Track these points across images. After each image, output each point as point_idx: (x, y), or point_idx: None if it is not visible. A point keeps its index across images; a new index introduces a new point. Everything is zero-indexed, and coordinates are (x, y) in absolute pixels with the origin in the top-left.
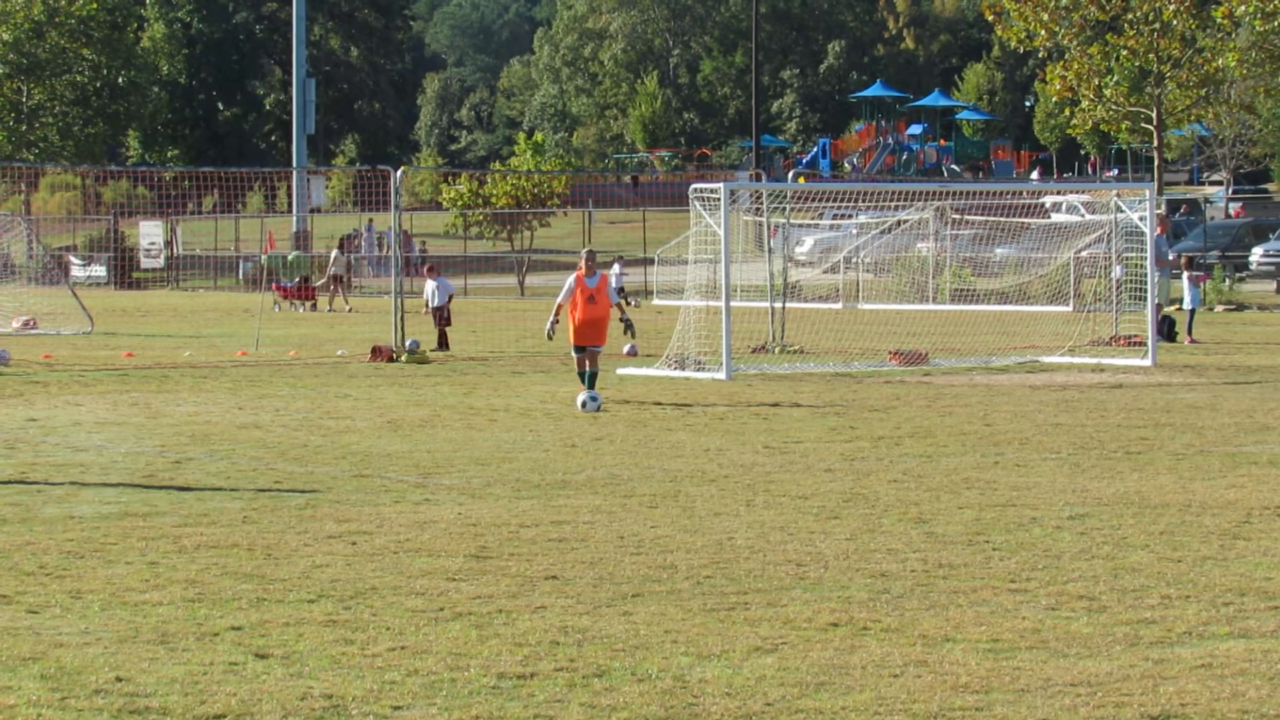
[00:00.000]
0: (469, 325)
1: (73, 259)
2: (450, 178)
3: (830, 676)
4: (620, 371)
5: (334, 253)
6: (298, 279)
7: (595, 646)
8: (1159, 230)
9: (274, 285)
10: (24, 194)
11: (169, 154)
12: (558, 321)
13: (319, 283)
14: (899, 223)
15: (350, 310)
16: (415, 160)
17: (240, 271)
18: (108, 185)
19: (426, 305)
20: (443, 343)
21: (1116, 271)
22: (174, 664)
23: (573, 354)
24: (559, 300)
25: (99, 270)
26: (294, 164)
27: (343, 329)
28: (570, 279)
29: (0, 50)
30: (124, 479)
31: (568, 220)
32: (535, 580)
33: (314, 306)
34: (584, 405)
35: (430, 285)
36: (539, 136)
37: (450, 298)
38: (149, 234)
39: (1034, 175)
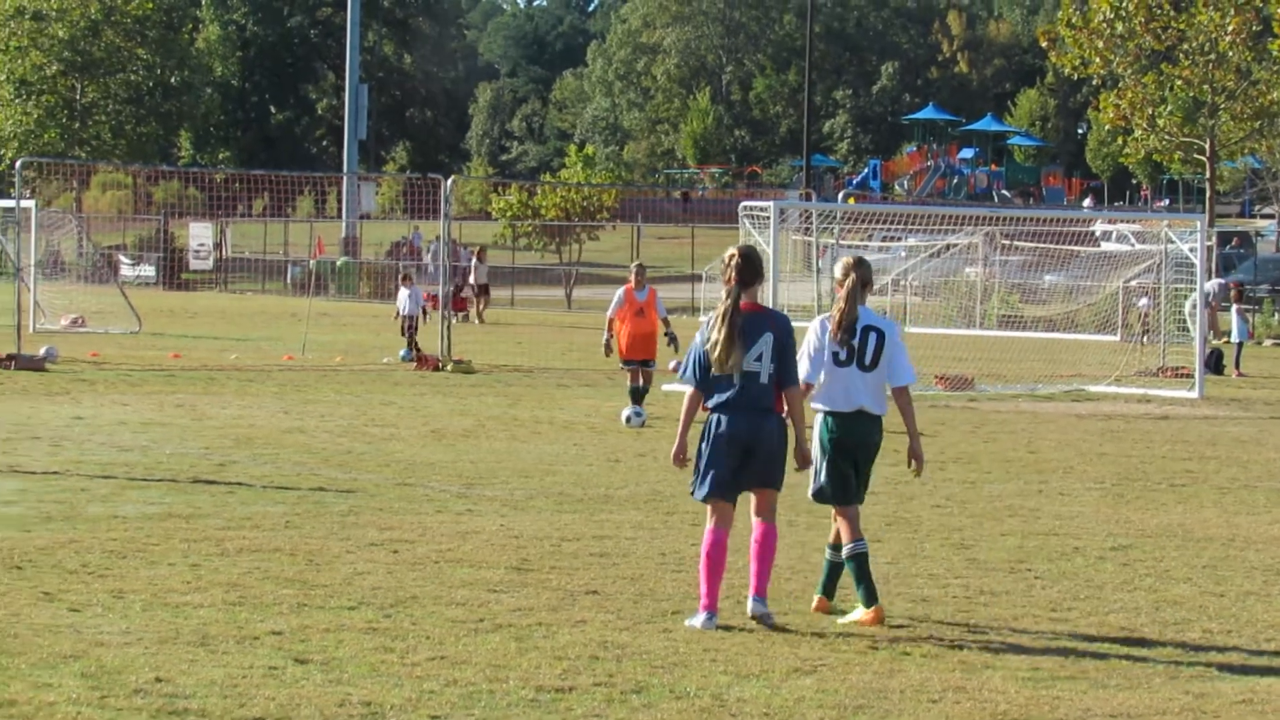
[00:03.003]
0: (515, 336)
1: (122, 258)
2: (500, 188)
3: (869, 700)
4: (665, 388)
5: (473, 261)
6: (450, 288)
7: (634, 662)
8: None
9: (425, 295)
10: (75, 192)
11: (220, 155)
12: (612, 336)
13: (464, 293)
14: (948, 247)
15: (481, 323)
16: (466, 169)
17: (288, 276)
18: (159, 185)
19: (397, 314)
20: (413, 349)
21: (1142, 303)
22: (214, 666)
23: (624, 368)
24: (609, 314)
25: (148, 270)
26: (345, 169)
27: (389, 337)
28: (620, 292)
29: (55, 47)
30: (168, 479)
31: (616, 234)
32: (576, 594)
33: (465, 317)
34: (628, 420)
35: (404, 294)
36: (590, 149)
37: (423, 309)
38: (198, 235)
39: (1086, 203)
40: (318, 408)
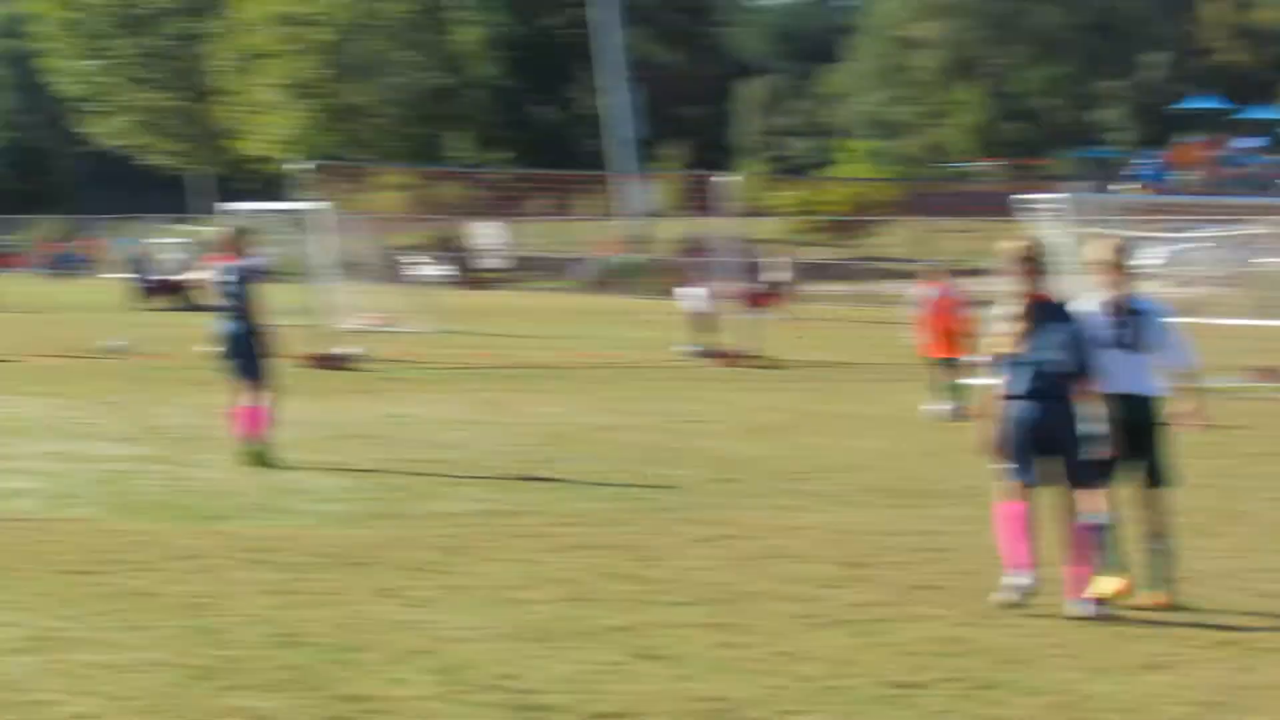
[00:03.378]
0: (806, 331)
1: (417, 258)
2: (780, 184)
3: (1227, 696)
4: (962, 382)
5: (779, 258)
6: (764, 286)
7: (981, 658)
8: None
9: (739, 292)
10: (361, 193)
11: (501, 156)
12: (923, 334)
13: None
14: (1243, 236)
15: (789, 319)
16: (743, 166)
17: (577, 274)
18: (446, 186)
19: (693, 310)
20: (705, 345)
21: None
22: (559, 662)
23: (934, 365)
24: (916, 314)
25: (443, 269)
26: (615, 168)
27: (675, 334)
28: (923, 290)
29: (320, 51)
30: (487, 476)
31: (900, 228)
32: (912, 589)
33: (771, 314)
34: (937, 415)
35: (691, 291)
36: (866, 144)
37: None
38: (485, 235)
39: None
40: (626, 404)
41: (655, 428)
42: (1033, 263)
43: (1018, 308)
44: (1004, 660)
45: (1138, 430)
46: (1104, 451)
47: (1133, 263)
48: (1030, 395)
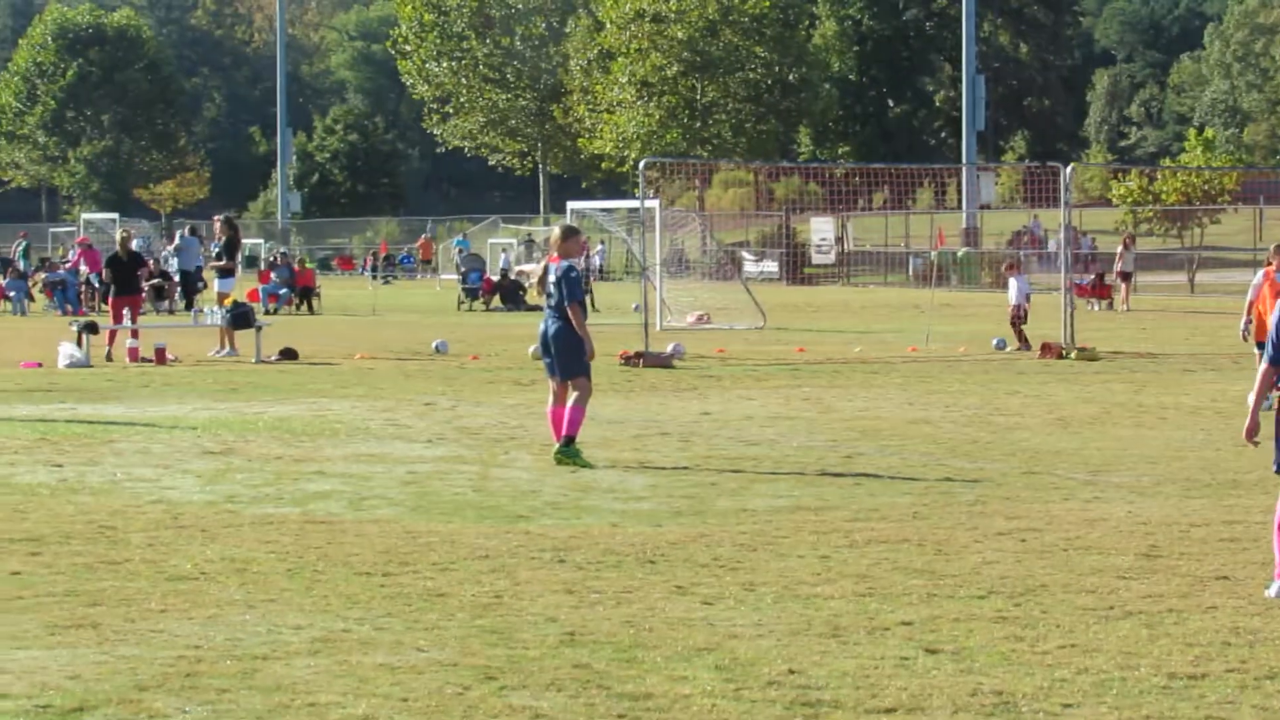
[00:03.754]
0: (1139, 322)
1: (745, 254)
2: (1120, 174)
3: None
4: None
5: (1120, 249)
6: (1094, 276)
7: (1267, 648)
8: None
9: (1070, 283)
10: (698, 190)
11: (839, 150)
12: (1250, 321)
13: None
14: None
15: (1127, 310)
16: (1084, 157)
17: (910, 268)
18: (779, 181)
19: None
20: (1021, 338)
21: None
22: (845, 657)
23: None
24: (1248, 299)
25: (771, 266)
26: (963, 160)
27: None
28: (1258, 275)
29: (675, 48)
30: (795, 472)
31: (1238, 217)
32: (1206, 580)
33: (1110, 305)
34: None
35: (1012, 283)
36: (1209, 133)
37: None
38: (820, 230)
39: None
40: (942, 398)
41: (968, 421)
42: None
43: None
44: None
45: None
46: None
47: None
48: None
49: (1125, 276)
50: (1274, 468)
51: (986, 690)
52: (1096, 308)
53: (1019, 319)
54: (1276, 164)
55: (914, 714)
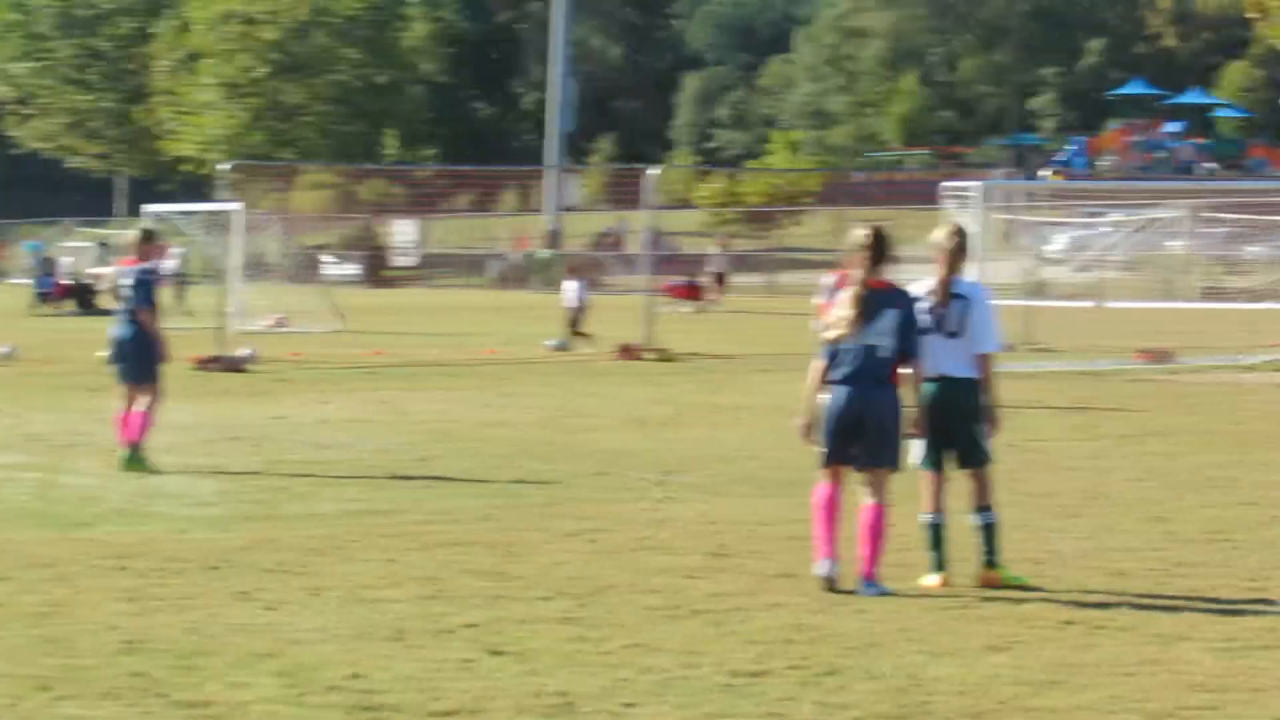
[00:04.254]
0: (719, 324)
1: (325, 257)
2: (704, 176)
3: (1063, 675)
4: None
5: (715, 251)
6: (685, 279)
7: (828, 645)
8: None
9: (664, 285)
10: (281, 192)
11: (426, 153)
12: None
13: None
14: (1151, 220)
15: (718, 312)
16: (670, 159)
17: (491, 270)
18: (364, 184)
19: (571, 305)
20: (575, 337)
21: None
22: (408, 661)
23: None
24: (818, 302)
25: (352, 268)
26: (550, 163)
27: (592, 327)
28: (828, 278)
29: (264, 50)
30: (368, 476)
31: (820, 218)
32: (772, 578)
33: (703, 307)
34: None
35: (570, 285)
36: (794, 135)
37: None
38: (402, 232)
39: None
40: (520, 400)
41: (544, 423)
42: (874, 249)
43: (855, 292)
44: (849, 646)
45: (954, 413)
46: (913, 434)
47: (964, 248)
48: (851, 379)
49: (719, 279)
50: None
51: (550, 691)
52: (689, 309)
53: (576, 321)
54: (859, 166)
55: (476, 716)
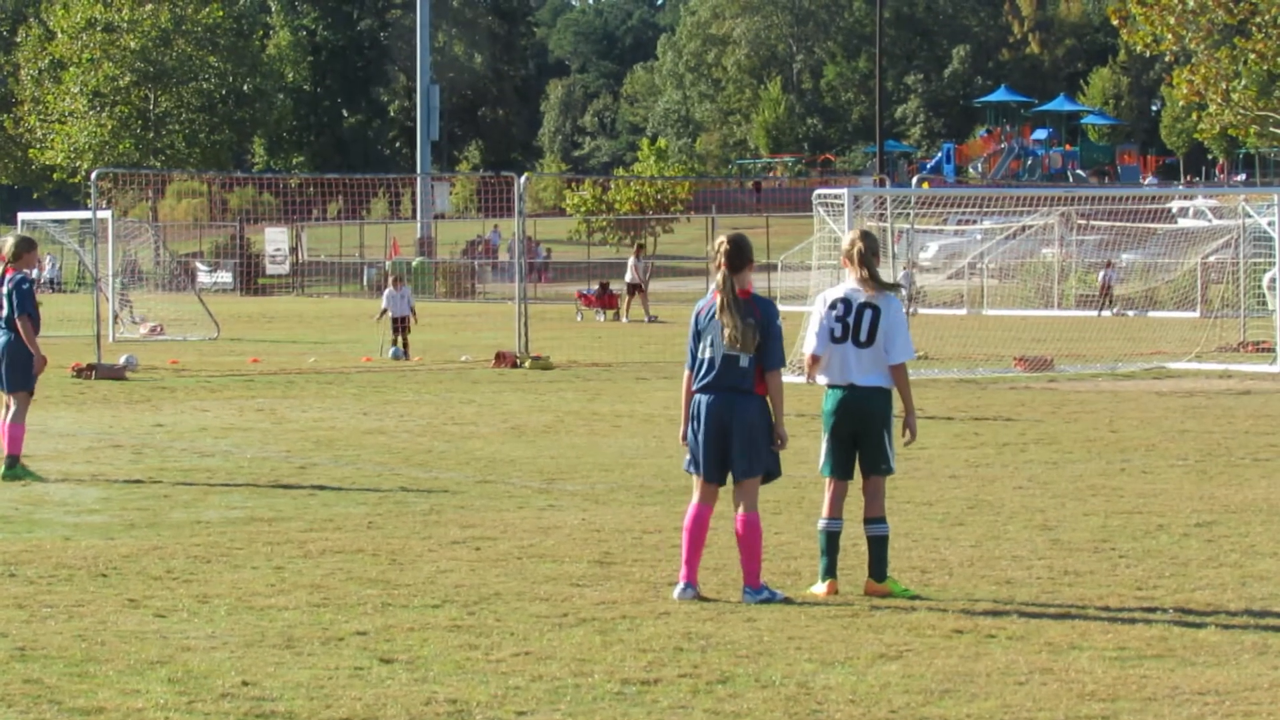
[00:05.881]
0: (594, 331)
1: (199, 265)
2: (574, 184)
3: (955, 684)
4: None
5: (631, 260)
6: (598, 286)
7: (719, 652)
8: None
9: (577, 294)
10: (151, 201)
11: (294, 160)
12: None
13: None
14: (1024, 228)
15: (652, 320)
16: (539, 166)
17: (364, 278)
18: (234, 192)
19: (383, 313)
20: (403, 348)
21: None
22: (300, 668)
23: None
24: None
25: (225, 276)
26: (418, 170)
27: (468, 335)
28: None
29: (127, 58)
30: (250, 484)
31: (690, 226)
32: (659, 586)
33: (616, 316)
34: None
35: (390, 294)
36: (662, 142)
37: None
38: (274, 240)
39: (1149, 181)
40: (397, 408)
41: (423, 430)
42: (733, 257)
43: (725, 301)
44: (741, 654)
45: (864, 421)
46: (780, 445)
47: (872, 255)
48: (714, 387)
49: (633, 288)
50: (686, 467)
51: (441, 699)
52: (602, 317)
53: (402, 329)
54: (727, 173)
55: None
